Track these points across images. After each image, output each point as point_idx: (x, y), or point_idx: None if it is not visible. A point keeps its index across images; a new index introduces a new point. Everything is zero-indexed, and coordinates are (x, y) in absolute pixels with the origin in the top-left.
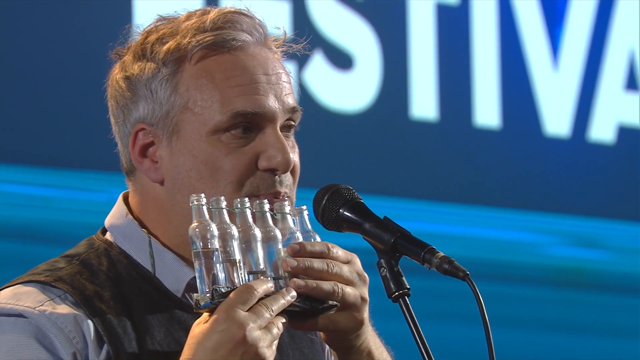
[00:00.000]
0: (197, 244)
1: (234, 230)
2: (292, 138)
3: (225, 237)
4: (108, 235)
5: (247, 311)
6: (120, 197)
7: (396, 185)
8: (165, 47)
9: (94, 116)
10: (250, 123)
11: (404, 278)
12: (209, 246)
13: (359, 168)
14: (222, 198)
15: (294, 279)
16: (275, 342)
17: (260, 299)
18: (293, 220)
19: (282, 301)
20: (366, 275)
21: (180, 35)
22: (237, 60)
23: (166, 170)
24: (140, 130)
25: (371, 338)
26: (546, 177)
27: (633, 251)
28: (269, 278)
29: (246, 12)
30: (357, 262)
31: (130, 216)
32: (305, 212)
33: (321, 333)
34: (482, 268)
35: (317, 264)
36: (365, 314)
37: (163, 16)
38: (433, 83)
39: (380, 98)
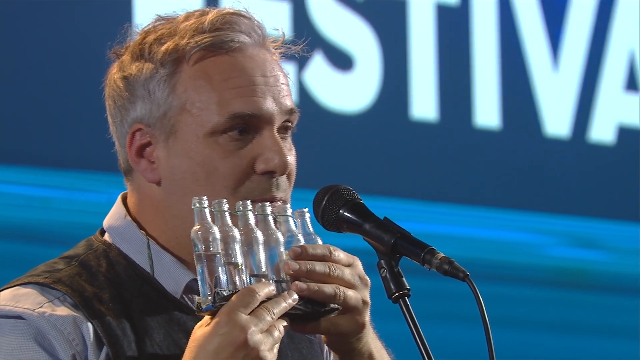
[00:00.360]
0: (199, 246)
1: (236, 233)
2: (289, 140)
3: (227, 240)
4: (107, 237)
5: (248, 314)
6: (119, 198)
7: (396, 186)
8: (163, 48)
9: (93, 116)
10: (247, 125)
11: (404, 279)
12: (211, 249)
13: (359, 169)
14: (225, 201)
15: (296, 282)
16: (277, 345)
17: (262, 302)
18: (295, 223)
19: (284, 304)
20: (368, 278)
21: (179, 36)
22: (235, 62)
23: (163, 170)
24: (138, 131)
25: (372, 341)
26: (546, 177)
27: (633, 252)
28: (271, 281)
29: (245, 14)
30: (359, 264)
31: (128, 217)
32: (307, 215)
33: (322, 336)
34: (482, 269)
35: (319, 267)
36: (367, 317)
37: (162, 16)
38: (433, 83)
39: (380, 98)
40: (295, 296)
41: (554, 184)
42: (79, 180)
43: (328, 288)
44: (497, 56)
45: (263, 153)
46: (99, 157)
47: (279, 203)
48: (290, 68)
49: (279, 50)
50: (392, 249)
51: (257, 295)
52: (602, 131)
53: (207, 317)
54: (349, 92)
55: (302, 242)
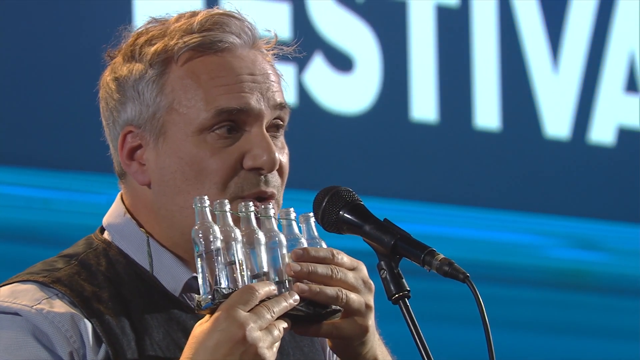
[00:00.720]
0: (200, 245)
1: (238, 233)
2: (281, 138)
3: (228, 240)
4: (106, 235)
5: (248, 312)
6: (118, 196)
7: (396, 187)
8: (152, 49)
9: (93, 118)
10: (235, 122)
11: (404, 280)
12: (212, 248)
13: (359, 170)
14: (226, 201)
15: (297, 283)
16: (277, 344)
17: (262, 300)
18: (299, 227)
19: (284, 304)
20: (372, 282)
21: (168, 36)
22: (224, 62)
23: (152, 172)
24: (129, 133)
25: (378, 347)
26: (546, 179)
27: (633, 253)
28: (272, 282)
29: (235, 15)
30: (363, 269)
31: (128, 215)
32: (312, 219)
33: (328, 340)
34: (482, 270)
35: (321, 269)
36: (371, 321)
37: (155, 18)
38: (433, 85)
39: (381, 100)
40: (296, 296)
41: (554, 186)
42: (80, 182)
43: (330, 290)
44: (497, 57)
45: (251, 149)
46: (100, 158)
47: (271, 202)
48: (290, 69)
49: (272, 52)
50: (392, 250)
51: (257, 293)
52: (602, 132)
53: (207, 316)
54: (349, 93)
55: (305, 245)
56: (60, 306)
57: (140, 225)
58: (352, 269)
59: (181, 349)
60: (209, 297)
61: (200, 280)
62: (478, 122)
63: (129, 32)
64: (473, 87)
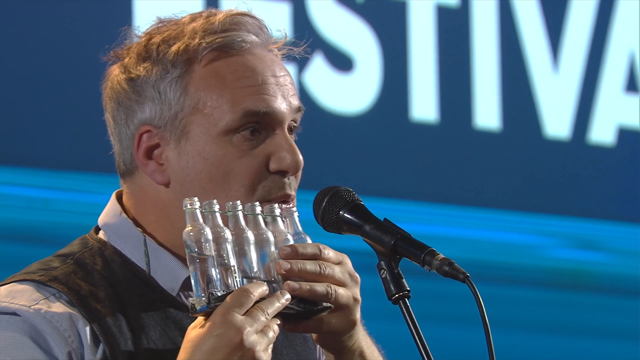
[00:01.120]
0: (192, 248)
1: (228, 234)
2: (294, 140)
3: (219, 241)
4: (101, 234)
5: (243, 315)
6: (113, 196)
7: (396, 187)
8: (173, 49)
9: (94, 118)
10: (260, 124)
11: (404, 280)
12: (204, 250)
13: (359, 170)
14: (215, 201)
15: (288, 282)
16: (271, 345)
17: (256, 302)
18: (283, 222)
19: (278, 304)
20: (357, 275)
21: (188, 36)
22: (247, 62)
23: (173, 172)
24: (146, 132)
25: (363, 338)
26: (546, 179)
27: (633, 253)
28: (264, 282)
29: (251, 14)
30: (348, 262)
31: (124, 215)
32: (296, 214)
33: (313, 334)
34: (482, 270)
35: (310, 266)
36: (358, 315)
37: (162, 19)
38: (433, 85)
39: (381, 100)
40: (288, 296)
41: (554, 186)
42: (80, 182)
43: (320, 287)
44: (497, 57)
45: (276, 152)
46: (100, 158)
47: (291, 204)
48: (290, 69)
49: (280, 52)
50: (392, 250)
51: (252, 296)
52: (602, 132)
53: (200, 318)
54: (349, 93)
55: (292, 242)
56: (58, 306)
57: (138, 225)
58: (338, 263)
59: (178, 347)
60: (204, 299)
61: (193, 283)
62: (478, 122)
63: (133, 33)
64: (473, 87)
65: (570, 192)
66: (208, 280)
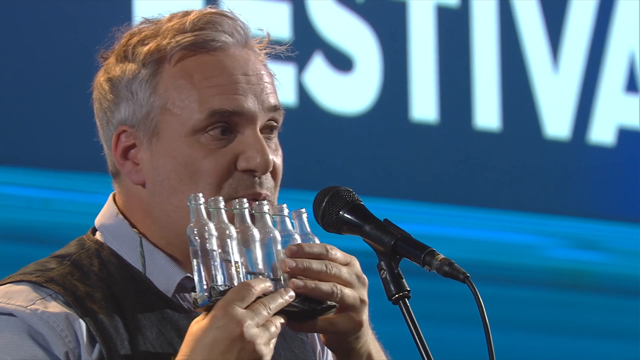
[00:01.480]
0: (195, 243)
1: (232, 230)
2: (275, 140)
3: (223, 237)
4: (98, 235)
5: (245, 308)
6: (110, 197)
7: (396, 188)
8: (145, 49)
9: (93, 118)
10: (229, 123)
11: (404, 280)
12: (207, 245)
13: (359, 170)
14: (221, 198)
15: (293, 279)
16: (273, 340)
17: (258, 297)
18: (292, 223)
19: (280, 300)
20: (365, 277)
21: (161, 36)
22: (216, 61)
23: (147, 172)
24: (122, 133)
25: (371, 342)
26: (546, 179)
27: (633, 253)
28: (268, 279)
29: (228, 14)
30: (357, 264)
31: (120, 216)
32: (305, 215)
33: (322, 335)
34: (483, 270)
35: (316, 264)
36: (365, 316)
37: (147, 19)
38: (433, 85)
39: (381, 100)
40: (292, 293)
41: (554, 186)
42: (80, 182)
43: (325, 285)
44: (497, 57)
45: (245, 151)
46: (99, 158)
47: (264, 201)
48: (290, 69)
49: (264, 51)
50: (392, 251)
51: (253, 290)
52: (602, 132)
53: (203, 314)
54: (349, 93)
55: (299, 242)
56: (54, 306)
57: (133, 226)
58: (346, 264)
59: (174, 348)
60: (206, 294)
61: (196, 278)
62: (478, 122)
63: (122, 33)
64: (473, 87)
65: (570, 192)
66: (211, 275)
